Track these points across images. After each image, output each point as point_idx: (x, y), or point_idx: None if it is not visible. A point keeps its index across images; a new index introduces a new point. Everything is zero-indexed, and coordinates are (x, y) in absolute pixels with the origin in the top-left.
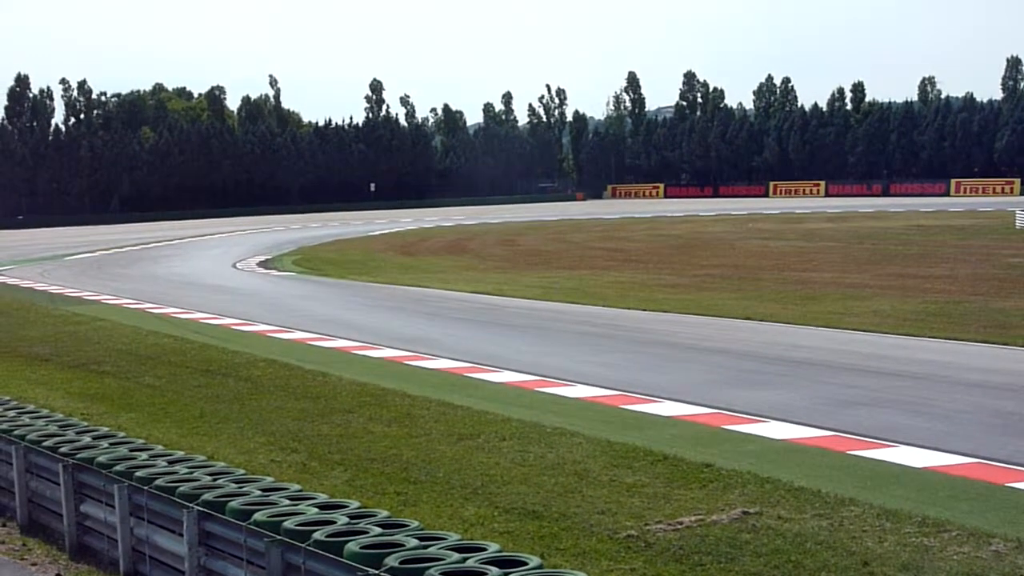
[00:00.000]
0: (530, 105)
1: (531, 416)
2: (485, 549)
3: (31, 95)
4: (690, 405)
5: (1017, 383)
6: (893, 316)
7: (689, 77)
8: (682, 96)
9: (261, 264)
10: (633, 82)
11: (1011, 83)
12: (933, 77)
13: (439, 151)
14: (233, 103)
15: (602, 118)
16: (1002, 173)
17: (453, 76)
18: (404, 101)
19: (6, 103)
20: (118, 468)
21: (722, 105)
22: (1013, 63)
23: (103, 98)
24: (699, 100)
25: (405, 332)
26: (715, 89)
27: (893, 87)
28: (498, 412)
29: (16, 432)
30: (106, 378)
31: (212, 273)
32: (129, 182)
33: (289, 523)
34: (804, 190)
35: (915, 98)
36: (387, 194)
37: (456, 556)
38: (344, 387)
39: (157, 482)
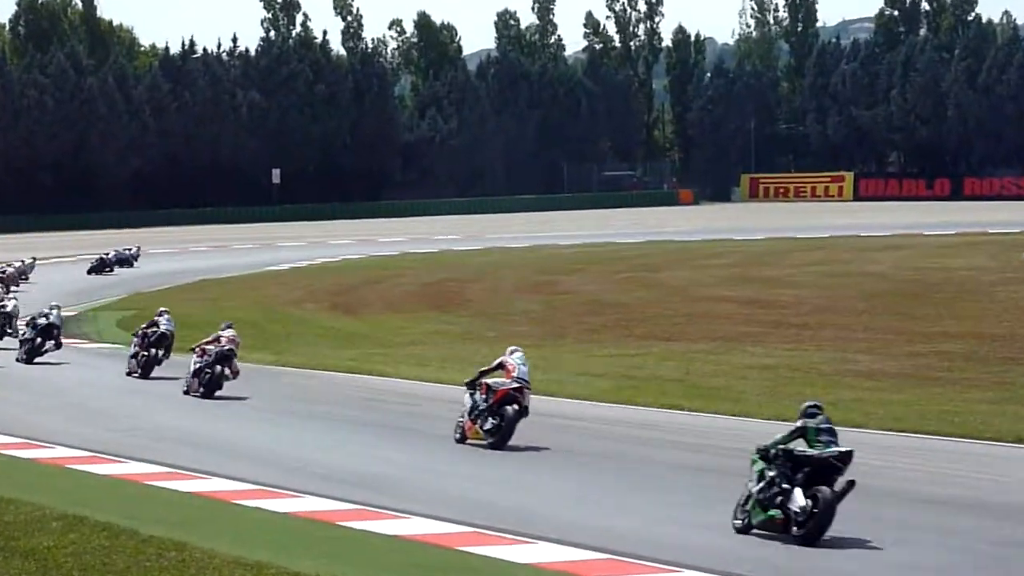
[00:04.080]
0: (589, 16)
1: None
2: None
3: None
4: None
5: None
6: None
7: None
8: (889, 1)
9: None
10: None
11: None
12: None
13: (409, 106)
14: (3, 12)
15: (731, 42)
16: None
17: None
18: (342, 8)
19: None
20: None
21: (970, 17)
22: None
23: None
24: (924, 7)
25: (344, 462)
26: None
27: None
28: None
29: None
30: None
31: None
32: None
33: None
34: None
35: None
36: (306, 190)
37: None
38: (218, 573)
39: None
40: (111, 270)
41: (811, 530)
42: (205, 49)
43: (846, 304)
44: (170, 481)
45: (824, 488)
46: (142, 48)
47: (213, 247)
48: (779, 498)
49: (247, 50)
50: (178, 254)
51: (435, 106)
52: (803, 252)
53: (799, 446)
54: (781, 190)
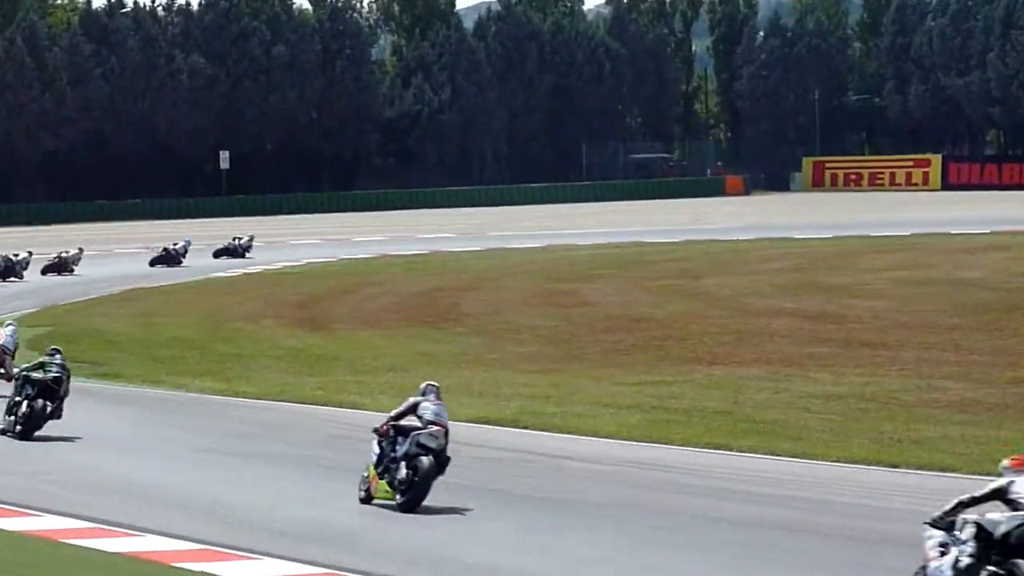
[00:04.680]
0: None
1: None
2: None
3: None
4: None
5: None
6: None
7: None
8: None
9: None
10: None
11: None
12: None
13: (390, 73)
14: None
15: None
16: None
17: None
18: None
19: None
20: None
21: None
22: None
23: None
24: None
25: (309, 515)
26: None
27: None
28: None
29: None
30: None
31: None
32: None
33: None
34: None
35: None
36: (263, 177)
37: None
38: None
39: None
40: (179, 263)
41: (25, 430)
42: (136, 2)
43: (933, 318)
44: (93, 539)
45: (39, 400)
46: (58, 1)
47: (145, 247)
48: (14, 408)
49: (188, 4)
50: (103, 257)
51: (422, 73)
52: (880, 254)
53: (36, 373)
54: (852, 177)
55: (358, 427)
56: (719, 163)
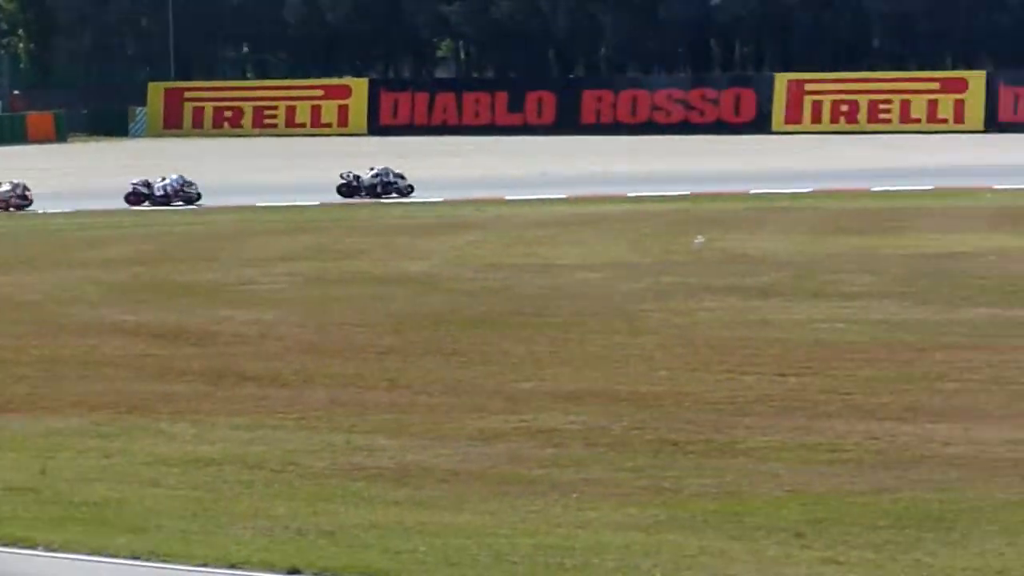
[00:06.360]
0: None
1: None
2: None
3: None
4: None
5: None
6: None
7: None
8: None
9: None
10: None
11: None
12: None
13: None
14: None
15: None
16: None
17: None
18: None
19: None
20: None
21: None
22: None
23: None
24: None
25: None
26: None
27: None
28: None
29: None
30: None
31: None
32: None
33: None
34: None
35: None
36: None
37: None
38: None
39: None
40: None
41: None
42: None
43: (356, 337)
44: None
45: None
46: None
47: None
48: None
49: None
50: None
51: None
52: (273, 235)
53: None
54: (228, 113)
55: None
56: (16, 92)
